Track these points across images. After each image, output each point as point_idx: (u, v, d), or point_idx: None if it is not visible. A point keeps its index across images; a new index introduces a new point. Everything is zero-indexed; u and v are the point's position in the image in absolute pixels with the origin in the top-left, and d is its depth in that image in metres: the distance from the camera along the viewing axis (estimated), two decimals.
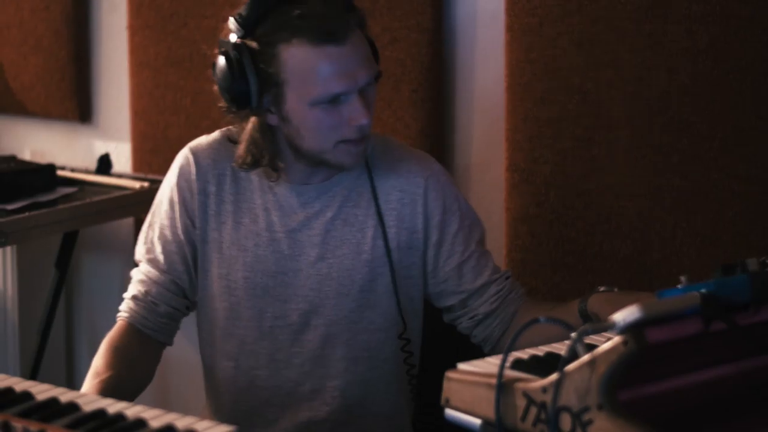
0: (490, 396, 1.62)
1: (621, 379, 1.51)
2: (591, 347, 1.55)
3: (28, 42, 3.77)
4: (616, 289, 2.31)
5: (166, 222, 2.44)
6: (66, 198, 3.31)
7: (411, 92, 3.08)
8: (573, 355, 1.55)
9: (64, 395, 1.80)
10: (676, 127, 2.74)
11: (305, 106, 2.24)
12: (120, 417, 1.71)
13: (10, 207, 3.14)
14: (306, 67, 2.21)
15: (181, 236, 2.42)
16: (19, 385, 1.85)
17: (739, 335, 1.62)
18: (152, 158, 3.55)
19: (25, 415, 1.71)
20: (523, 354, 1.86)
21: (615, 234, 2.83)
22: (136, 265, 2.49)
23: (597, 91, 2.81)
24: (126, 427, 1.67)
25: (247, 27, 2.23)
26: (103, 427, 1.68)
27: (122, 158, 3.68)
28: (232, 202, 2.41)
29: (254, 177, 2.40)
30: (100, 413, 1.72)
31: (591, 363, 1.52)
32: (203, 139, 2.46)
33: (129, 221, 3.64)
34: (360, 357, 2.41)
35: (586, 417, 1.52)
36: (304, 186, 2.38)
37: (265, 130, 2.31)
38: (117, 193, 3.36)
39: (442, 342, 2.53)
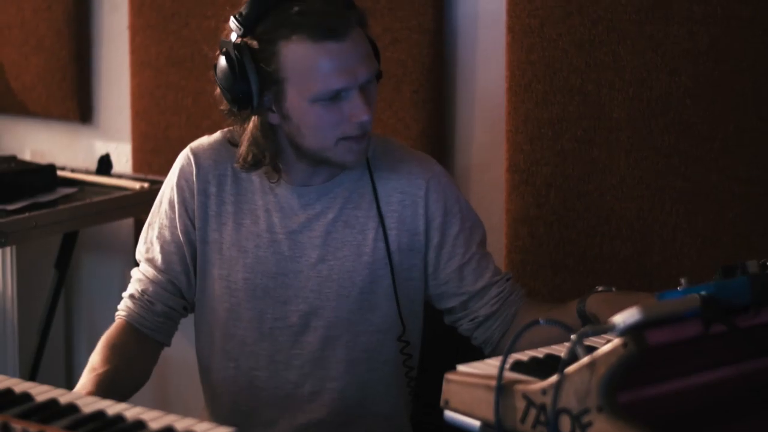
0: (490, 398, 1.62)
1: (621, 381, 1.51)
2: (591, 349, 1.55)
3: (30, 42, 3.77)
4: (614, 289, 2.30)
5: (165, 222, 2.44)
6: (66, 198, 3.31)
7: (412, 93, 3.08)
8: (573, 357, 1.55)
9: (64, 396, 1.80)
10: (677, 128, 2.74)
11: (306, 103, 2.24)
12: (119, 418, 1.71)
13: (10, 207, 3.14)
14: (306, 63, 2.21)
15: (181, 237, 2.42)
16: (19, 386, 1.85)
17: (739, 337, 1.62)
18: (153, 159, 3.55)
19: (24, 416, 1.71)
20: (523, 356, 1.86)
21: (615, 235, 2.83)
22: (136, 264, 2.49)
23: (598, 92, 2.81)
24: (125, 429, 1.67)
25: (247, 25, 2.23)
26: (103, 429, 1.68)
27: (123, 159, 3.68)
28: (232, 203, 2.41)
29: (255, 178, 2.40)
30: (100, 414, 1.72)
31: (591, 365, 1.52)
32: (204, 140, 2.46)
33: (129, 222, 3.64)
34: (360, 359, 2.41)
35: (585, 419, 1.52)
36: (305, 187, 2.38)
37: (266, 129, 2.31)
38: (117, 194, 3.36)
39: (442, 343, 2.53)
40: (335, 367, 2.40)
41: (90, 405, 1.76)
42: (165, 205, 2.44)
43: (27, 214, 3.11)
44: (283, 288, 2.39)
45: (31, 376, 3.42)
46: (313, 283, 2.38)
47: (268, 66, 2.22)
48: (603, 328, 1.55)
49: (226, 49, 2.25)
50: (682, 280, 1.69)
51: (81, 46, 3.71)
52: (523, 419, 1.59)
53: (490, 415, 1.62)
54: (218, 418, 2.46)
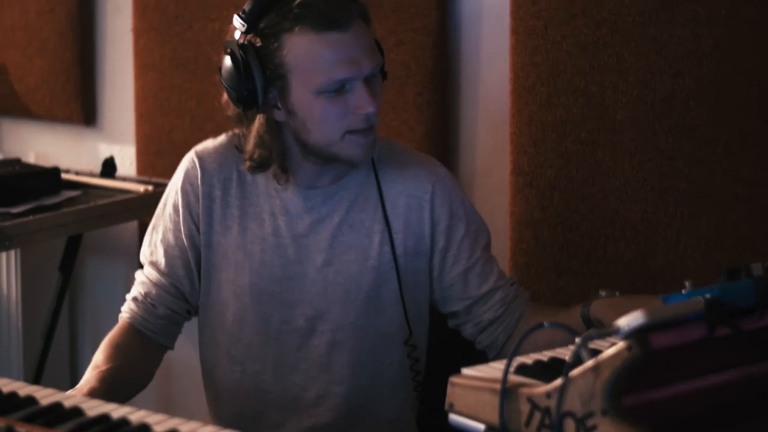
0: (494, 401, 1.62)
1: (625, 385, 1.51)
2: (595, 352, 1.55)
3: (33, 44, 3.77)
4: (617, 293, 2.30)
5: (169, 225, 2.44)
6: (70, 201, 3.31)
7: (416, 95, 3.07)
8: (577, 361, 1.55)
9: (68, 400, 1.80)
10: (681, 130, 2.74)
11: (310, 96, 2.24)
12: (124, 422, 1.71)
13: (14, 210, 3.14)
14: (310, 54, 2.22)
15: (184, 241, 2.42)
16: (23, 389, 1.85)
17: (744, 340, 1.61)
18: (157, 161, 3.56)
19: (28, 419, 1.71)
20: (528, 359, 1.86)
21: (619, 238, 2.83)
22: (140, 267, 2.49)
23: (601, 94, 2.81)
24: None
25: (250, 21, 2.24)
26: None
27: (127, 161, 3.69)
28: (238, 207, 2.41)
29: (260, 181, 2.40)
30: (104, 418, 1.72)
31: (595, 368, 1.52)
32: (209, 143, 2.46)
33: (133, 224, 3.64)
34: (366, 362, 2.40)
35: (590, 422, 1.52)
36: (311, 190, 2.38)
37: (272, 127, 2.31)
38: (121, 197, 3.37)
39: (449, 347, 2.53)
40: (341, 371, 2.40)
41: (94, 408, 1.76)
42: (169, 209, 2.44)
43: (31, 217, 3.11)
44: (288, 292, 2.39)
45: (36, 379, 3.43)
46: (319, 287, 2.38)
47: (272, 61, 2.23)
48: (607, 331, 1.55)
49: (230, 48, 2.25)
50: (687, 283, 1.69)
51: (85, 49, 3.72)
52: (528, 422, 1.59)
53: (494, 419, 1.62)
54: (222, 422, 2.46)
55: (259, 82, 2.23)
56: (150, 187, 3.39)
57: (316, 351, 2.40)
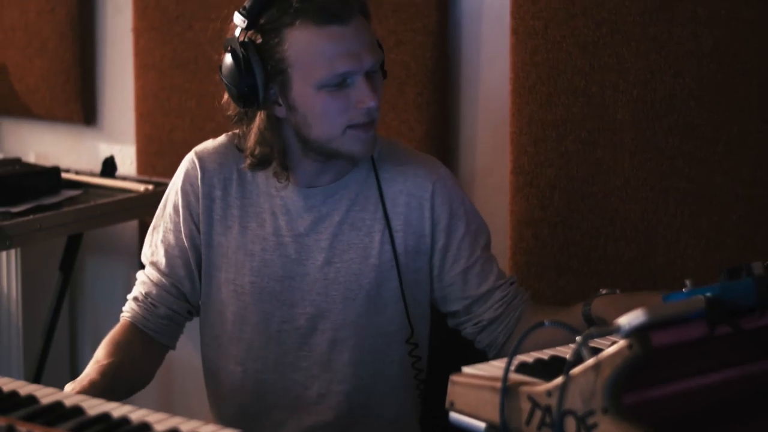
0: (495, 399, 1.62)
1: (626, 383, 1.51)
2: (596, 351, 1.55)
3: (33, 44, 3.77)
4: (618, 291, 2.30)
5: (170, 226, 2.44)
6: (70, 201, 3.31)
7: (416, 95, 3.08)
8: (578, 359, 1.55)
9: (69, 399, 1.80)
10: (681, 130, 2.74)
11: (312, 90, 2.24)
12: (124, 421, 1.71)
13: (14, 210, 3.14)
14: (311, 48, 2.22)
15: (185, 241, 2.42)
16: (24, 388, 1.85)
17: (744, 339, 1.62)
18: (157, 161, 3.56)
19: (29, 418, 1.71)
20: (528, 357, 1.86)
21: (619, 237, 2.83)
22: (142, 267, 2.49)
23: (602, 94, 2.81)
24: (130, 431, 1.68)
25: (251, 18, 2.24)
26: (108, 431, 1.68)
27: (127, 161, 3.69)
28: (238, 207, 2.41)
29: (260, 181, 2.40)
30: (105, 417, 1.73)
31: (596, 366, 1.52)
32: (209, 143, 2.46)
33: (133, 224, 3.64)
34: (367, 361, 2.41)
35: (590, 420, 1.52)
36: (311, 189, 2.38)
37: (273, 123, 2.31)
38: (121, 196, 3.37)
39: (451, 346, 2.53)
40: (342, 370, 2.40)
41: (95, 407, 1.76)
42: (169, 209, 2.44)
43: (31, 217, 3.11)
44: (289, 291, 2.39)
45: (36, 378, 3.43)
46: (320, 286, 2.38)
47: (272, 56, 2.23)
48: (608, 329, 1.55)
49: (231, 46, 2.25)
50: (687, 282, 1.69)
51: (85, 49, 3.72)
52: (529, 421, 1.59)
53: (495, 417, 1.62)
54: (224, 421, 2.46)
55: (259, 77, 2.23)
56: (150, 187, 3.39)
57: (318, 350, 2.40)
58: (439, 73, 3.07)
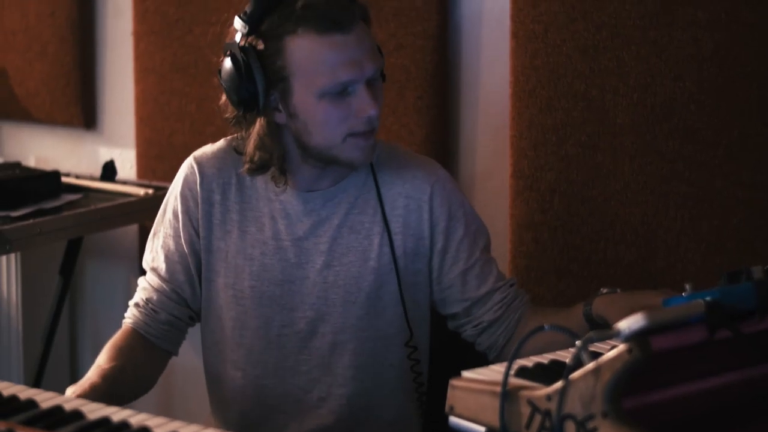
0: (495, 404, 1.62)
1: (626, 387, 1.51)
2: (595, 355, 1.55)
3: (34, 48, 3.77)
4: (618, 290, 2.30)
5: (169, 231, 2.44)
6: (70, 205, 3.31)
7: (416, 99, 3.08)
8: (578, 363, 1.55)
9: (69, 403, 1.80)
10: (681, 133, 2.74)
11: (313, 99, 2.23)
12: (124, 425, 1.71)
13: (14, 214, 3.14)
14: (313, 57, 2.22)
15: (185, 246, 2.42)
16: (24, 392, 1.85)
17: (744, 343, 1.62)
18: (157, 165, 3.56)
19: (29, 423, 1.71)
20: (528, 362, 1.86)
21: (620, 241, 2.83)
22: (143, 272, 2.49)
23: (602, 97, 2.81)
24: None
25: (252, 23, 2.23)
26: None
27: (127, 165, 3.69)
28: (237, 211, 2.40)
29: (260, 185, 2.40)
30: (105, 421, 1.72)
31: (596, 371, 1.52)
32: (208, 148, 2.46)
33: (133, 228, 3.64)
34: (367, 364, 2.40)
35: (590, 425, 1.52)
36: (310, 193, 2.38)
37: (272, 129, 2.31)
38: (121, 200, 3.36)
39: (451, 348, 2.53)
40: (343, 373, 2.40)
41: (95, 412, 1.76)
42: (169, 215, 2.44)
43: (31, 221, 3.11)
44: (289, 295, 2.39)
45: (36, 382, 3.42)
46: (320, 290, 2.38)
47: (274, 63, 2.23)
48: (608, 333, 1.55)
49: (231, 51, 2.25)
50: (687, 286, 1.69)
51: (85, 52, 3.72)
52: (528, 425, 1.59)
53: (495, 421, 1.62)
54: (226, 425, 2.46)
55: (260, 84, 2.23)
56: (150, 191, 3.39)
57: (318, 353, 2.40)
58: (439, 76, 3.07)
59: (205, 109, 3.41)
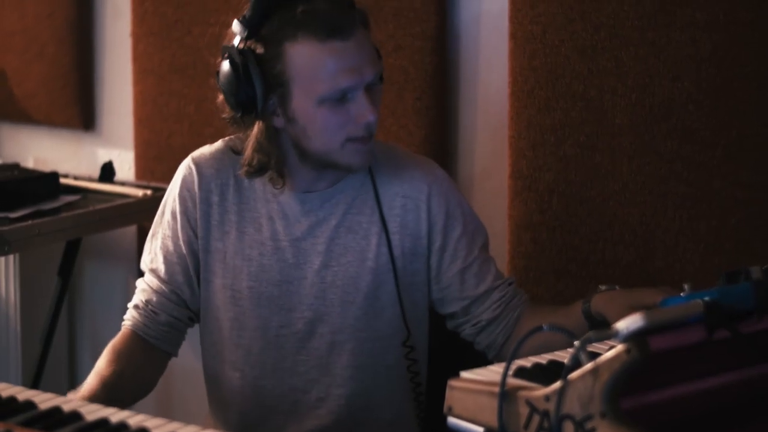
0: (493, 404, 1.62)
1: (624, 387, 1.51)
2: (594, 355, 1.55)
3: (32, 49, 3.77)
4: (617, 287, 2.30)
5: (168, 232, 2.44)
6: (69, 206, 3.30)
7: (414, 100, 3.08)
8: (576, 364, 1.55)
9: (67, 404, 1.80)
10: (680, 134, 2.74)
11: (312, 104, 2.23)
12: (123, 426, 1.71)
13: (13, 215, 3.13)
14: (312, 63, 2.21)
15: (183, 247, 2.42)
16: (22, 394, 1.85)
17: (743, 343, 1.62)
18: (155, 166, 3.55)
19: (28, 424, 1.71)
20: (526, 362, 1.86)
21: (618, 241, 2.83)
22: (142, 274, 2.49)
23: (600, 98, 2.81)
24: None
25: (251, 27, 2.23)
26: None
27: (125, 166, 3.68)
28: (235, 212, 2.40)
29: (257, 186, 2.40)
30: (103, 422, 1.72)
31: (594, 371, 1.52)
32: (206, 149, 2.46)
33: (132, 229, 3.64)
34: (365, 364, 2.40)
35: (589, 425, 1.52)
36: (308, 194, 2.38)
37: (271, 133, 2.31)
38: (120, 201, 3.36)
39: (449, 348, 2.53)
40: (341, 373, 2.40)
41: (93, 413, 1.76)
42: (167, 216, 2.44)
43: (30, 222, 3.11)
44: (287, 295, 2.39)
45: (34, 383, 3.42)
46: (318, 290, 2.38)
47: (273, 68, 2.23)
48: (606, 334, 1.55)
49: (229, 54, 2.25)
50: (685, 286, 1.69)
51: (83, 54, 3.72)
52: (527, 425, 1.59)
53: (493, 422, 1.62)
54: (225, 425, 2.46)
55: (259, 89, 2.23)
56: (149, 192, 3.39)
57: (316, 354, 2.40)
58: (438, 77, 3.07)
59: (204, 110, 3.41)
